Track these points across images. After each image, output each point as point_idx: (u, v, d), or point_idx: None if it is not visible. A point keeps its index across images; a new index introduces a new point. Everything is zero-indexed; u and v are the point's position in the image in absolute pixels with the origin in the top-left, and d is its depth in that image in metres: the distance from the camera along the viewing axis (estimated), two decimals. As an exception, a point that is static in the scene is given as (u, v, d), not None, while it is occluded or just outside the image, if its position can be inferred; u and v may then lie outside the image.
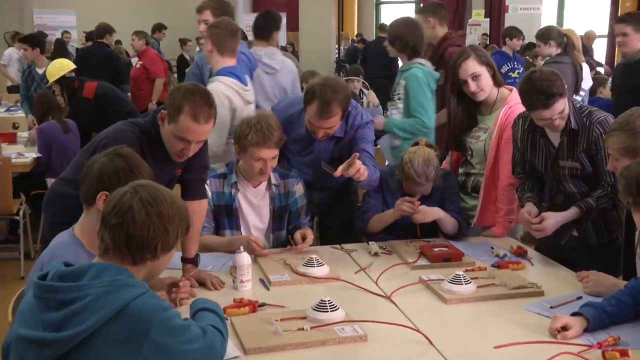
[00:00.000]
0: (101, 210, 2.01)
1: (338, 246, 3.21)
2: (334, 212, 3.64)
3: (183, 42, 13.06)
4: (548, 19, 14.74)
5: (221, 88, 3.61)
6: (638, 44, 4.86)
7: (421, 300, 2.58)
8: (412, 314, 2.42)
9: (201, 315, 1.93)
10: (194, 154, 2.63)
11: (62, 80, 6.05)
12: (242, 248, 2.66)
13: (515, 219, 3.34)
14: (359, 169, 2.92)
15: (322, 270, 2.77)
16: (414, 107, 3.99)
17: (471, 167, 3.53)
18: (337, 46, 11.42)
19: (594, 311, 2.25)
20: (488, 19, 17.00)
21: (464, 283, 2.57)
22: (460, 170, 3.60)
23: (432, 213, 3.17)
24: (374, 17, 19.22)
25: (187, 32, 13.27)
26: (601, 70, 10.41)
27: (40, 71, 7.17)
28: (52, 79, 6.06)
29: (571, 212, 2.94)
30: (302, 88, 6.57)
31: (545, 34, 5.71)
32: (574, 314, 2.26)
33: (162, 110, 2.56)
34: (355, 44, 14.77)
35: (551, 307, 2.44)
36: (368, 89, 8.78)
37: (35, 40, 7.59)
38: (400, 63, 4.36)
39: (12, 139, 6.34)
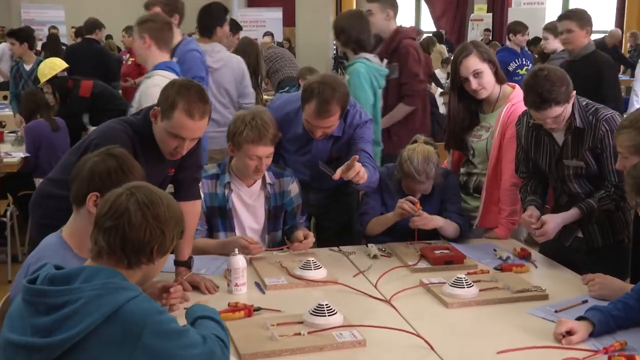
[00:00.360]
0: (91, 211, 2.01)
1: (336, 248, 3.21)
2: (331, 213, 3.64)
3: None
4: (553, 14, 14.75)
5: (164, 82, 3.46)
6: (583, 41, 4.89)
7: (422, 304, 2.58)
8: (413, 318, 2.42)
9: (201, 322, 1.93)
10: (188, 153, 2.63)
11: (54, 80, 6.06)
12: (236, 250, 2.66)
13: (518, 220, 3.34)
14: (359, 172, 2.92)
15: (319, 274, 2.77)
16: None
17: (473, 167, 3.53)
18: (334, 41, 11.42)
19: (600, 315, 2.25)
20: (491, 14, 17.01)
21: (465, 286, 2.57)
22: (462, 170, 3.60)
23: (432, 221, 3.17)
24: (372, 12, 19.20)
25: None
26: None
27: (27, 67, 7.16)
28: (43, 79, 6.07)
29: (571, 213, 2.95)
30: (299, 85, 6.58)
31: (554, 28, 5.71)
32: (579, 318, 2.27)
33: (155, 107, 2.56)
34: None
35: (556, 311, 2.44)
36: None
37: (23, 34, 7.55)
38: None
39: (-2, 138, 6.34)
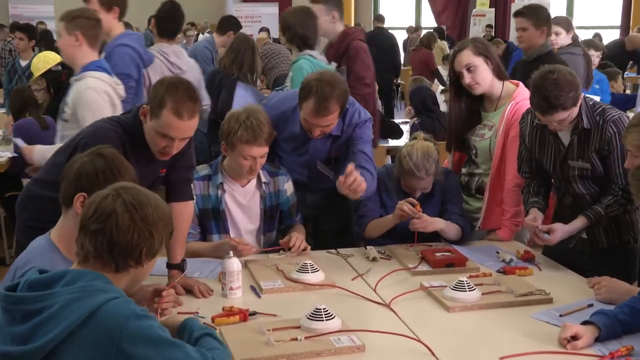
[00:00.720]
0: (79, 213, 2.00)
1: (334, 251, 3.21)
2: (329, 214, 3.63)
3: None
4: (557, 11, 14.77)
5: (98, 83, 3.45)
6: (538, 40, 4.67)
7: (422, 308, 2.58)
8: (413, 322, 2.42)
9: (205, 340, 1.88)
10: (179, 153, 2.63)
11: (48, 74, 6.05)
12: (231, 253, 2.65)
13: (522, 221, 3.34)
14: (355, 186, 2.90)
15: (317, 277, 2.77)
16: None
17: (475, 167, 3.53)
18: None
19: (606, 319, 2.25)
20: (493, 10, 17.02)
21: (467, 290, 2.57)
22: (463, 171, 3.60)
23: (433, 224, 3.17)
24: (372, 6, 19.24)
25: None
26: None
27: (24, 63, 7.16)
28: (37, 73, 6.05)
29: (579, 223, 2.96)
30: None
31: (564, 23, 5.69)
32: (584, 323, 2.27)
33: (144, 106, 2.56)
34: None
35: (560, 316, 2.45)
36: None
37: (32, 30, 7.57)
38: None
39: (-15, 137, 6.32)
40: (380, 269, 2.94)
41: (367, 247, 3.17)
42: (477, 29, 15.86)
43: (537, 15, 4.64)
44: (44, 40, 9.17)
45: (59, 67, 6.18)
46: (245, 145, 3.04)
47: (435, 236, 3.29)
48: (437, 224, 3.19)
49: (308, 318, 2.28)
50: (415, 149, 3.19)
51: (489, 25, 15.64)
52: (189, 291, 2.63)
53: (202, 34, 13.27)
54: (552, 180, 3.19)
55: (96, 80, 3.45)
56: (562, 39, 5.67)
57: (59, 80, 6.08)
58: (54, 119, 5.77)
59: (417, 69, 10.85)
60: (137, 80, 4.14)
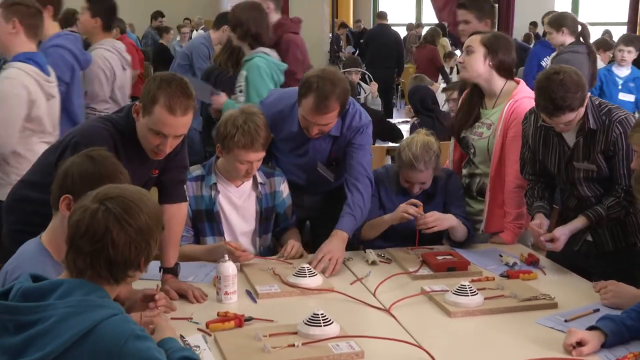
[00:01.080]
0: (65, 215, 1.98)
1: (332, 254, 3.21)
2: (327, 217, 3.62)
3: (165, 30, 12.89)
4: (562, 5, 14.79)
5: (18, 75, 3.38)
6: None
7: (423, 313, 2.58)
8: (413, 328, 2.42)
9: None
10: (173, 153, 2.63)
11: None
12: (226, 256, 2.65)
13: (525, 224, 3.35)
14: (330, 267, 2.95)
15: (314, 281, 2.77)
16: (252, 97, 4.04)
17: (475, 167, 3.53)
18: (330, 35, 11.38)
19: (613, 325, 2.25)
20: (496, 5, 16.99)
21: (470, 294, 2.57)
22: (464, 172, 3.60)
23: (446, 220, 3.16)
24: (371, 3, 19.24)
25: (169, 20, 13.29)
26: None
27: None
28: None
29: (579, 222, 2.96)
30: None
31: (557, 21, 5.69)
32: (590, 328, 2.27)
33: (137, 103, 2.56)
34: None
35: (565, 321, 2.45)
36: (367, 81, 8.78)
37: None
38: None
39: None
40: (380, 272, 2.94)
41: (366, 250, 3.17)
42: (478, 25, 15.85)
43: (480, 8, 4.51)
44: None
45: None
46: (242, 150, 3.04)
47: (437, 239, 3.29)
48: (451, 220, 3.19)
49: (305, 324, 2.28)
50: (415, 141, 3.21)
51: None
52: (182, 296, 2.63)
53: (196, 30, 13.26)
54: (556, 182, 3.19)
55: (18, 72, 3.37)
56: (553, 38, 5.65)
57: None
58: None
59: (422, 66, 10.74)
60: (69, 83, 4.07)
